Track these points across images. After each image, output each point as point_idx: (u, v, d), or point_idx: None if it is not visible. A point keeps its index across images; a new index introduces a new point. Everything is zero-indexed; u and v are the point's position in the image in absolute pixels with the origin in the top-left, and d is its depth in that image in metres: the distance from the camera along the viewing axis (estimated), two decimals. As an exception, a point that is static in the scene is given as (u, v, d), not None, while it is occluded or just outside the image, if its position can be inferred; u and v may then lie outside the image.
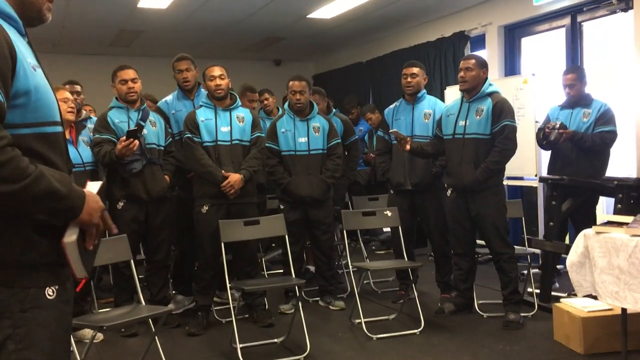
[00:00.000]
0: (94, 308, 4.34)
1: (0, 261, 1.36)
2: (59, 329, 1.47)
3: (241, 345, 3.55)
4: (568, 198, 4.48)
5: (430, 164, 4.50)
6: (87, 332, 3.70)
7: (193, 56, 4.56)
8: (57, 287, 1.45)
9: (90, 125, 4.36)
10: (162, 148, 4.21)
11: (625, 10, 5.11)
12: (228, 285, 3.76)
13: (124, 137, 3.82)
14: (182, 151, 4.27)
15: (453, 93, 5.83)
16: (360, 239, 5.66)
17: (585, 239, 3.10)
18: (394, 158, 4.61)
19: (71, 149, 3.93)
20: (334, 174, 4.51)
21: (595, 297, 3.19)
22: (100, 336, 3.81)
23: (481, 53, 6.52)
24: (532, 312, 4.23)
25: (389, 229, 6.67)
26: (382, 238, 7.00)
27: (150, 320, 3.29)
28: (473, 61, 4.09)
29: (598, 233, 3.03)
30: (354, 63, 9.07)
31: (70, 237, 1.42)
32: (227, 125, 4.12)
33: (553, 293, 4.41)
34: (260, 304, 4.26)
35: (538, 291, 4.40)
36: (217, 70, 4.11)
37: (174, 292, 4.63)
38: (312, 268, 5.19)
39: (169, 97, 4.57)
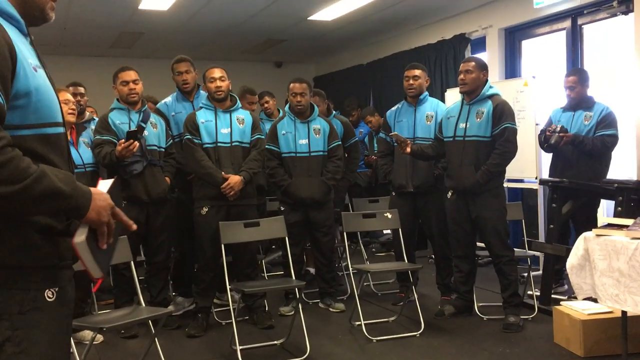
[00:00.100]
0: (94, 309, 4.34)
1: (2, 263, 1.35)
2: (59, 332, 1.45)
3: (241, 347, 3.55)
4: (569, 200, 4.48)
5: (433, 166, 4.50)
6: (87, 334, 3.70)
7: (194, 58, 4.57)
8: (57, 289, 1.43)
9: (92, 126, 4.36)
10: (163, 150, 4.22)
11: (625, 13, 5.11)
12: (228, 287, 3.76)
13: (124, 139, 3.82)
14: (182, 153, 4.28)
15: (453, 95, 5.83)
16: (360, 241, 5.66)
17: (585, 241, 3.10)
18: (395, 160, 4.61)
19: (71, 150, 3.93)
20: (335, 175, 4.51)
21: (595, 300, 3.19)
22: (100, 337, 3.81)
23: (482, 55, 6.53)
24: (532, 315, 4.22)
25: (389, 231, 6.70)
26: (382, 240, 7.00)
27: (150, 321, 3.28)
28: (473, 63, 4.10)
29: (598, 236, 3.03)
30: (354, 65, 9.07)
31: (80, 237, 1.40)
32: (227, 127, 4.12)
33: (554, 295, 4.41)
34: (260, 305, 4.25)
35: (538, 294, 4.40)
36: (217, 72, 4.11)
37: (173, 293, 4.63)
38: (312, 270, 5.19)
39: (169, 99, 4.57)
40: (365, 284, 4.96)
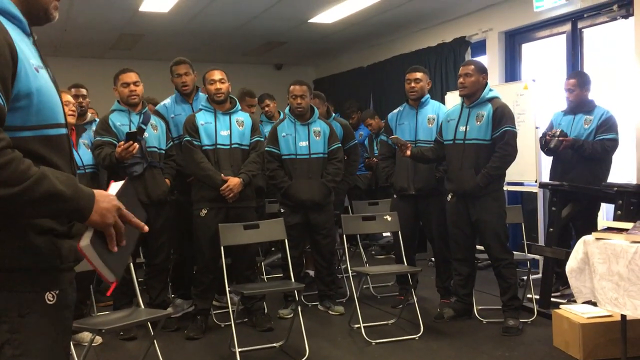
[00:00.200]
0: (93, 311, 4.33)
1: (3, 266, 1.33)
2: (58, 335, 1.44)
3: (240, 350, 3.55)
4: (568, 204, 4.48)
5: (434, 168, 4.50)
6: (86, 335, 3.70)
7: (194, 60, 4.57)
8: (57, 292, 1.42)
9: (94, 127, 4.37)
10: (163, 151, 4.22)
11: (625, 16, 5.12)
12: (227, 289, 3.76)
13: (123, 141, 3.82)
14: (181, 155, 4.27)
15: (454, 98, 5.83)
16: (360, 244, 5.66)
17: (585, 245, 3.10)
18: (397, 163, 4.60)
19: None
20: (335, 178, 4.51)
21: (594, 304, 3.19)
22: (99, 339, 3.81)
23: (482, 59, 6.53)
24: (532, 318, 4.22)
25: (388, 234, 6.70)
26: (381, 243, 7.00)
27: (149, 323, 3.28)
28: (472, 67, 4.10)
29: (598, 239, 3.03)
30: (354, 68, 9.08)
31: (85, 240, 1.37)
32: (227, 129, 4.12)
33: (553, 299, 4.41)
34: (260, 308, 4.25)
35: (537, 297, 4.39)
36: (217, 74, 4.12)
37: (172, 295, 4.63)
38: (311, 272, 5.19)
39: (167, 101, 4.56)
40: (364, 286, 4.95)
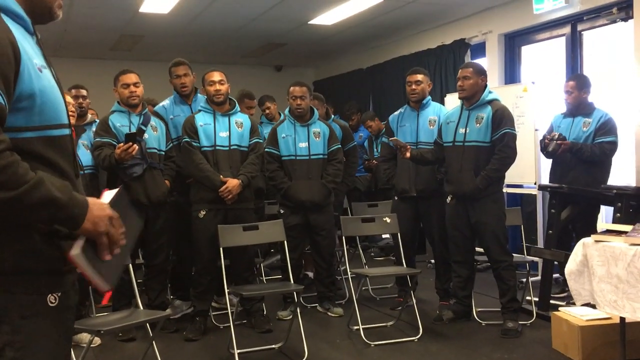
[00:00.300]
0: (91, 312, 4.33)
1: (4, 268, 1.33)
2: (60, 337, 1.43)
3: (239, 351, 3.55)
4: (568, 206, 4.48)
5: (436, 170, 4.50)
6: (85, 336, 3.69)
7: (194, 61, 4.57)
8: (59, 294, 1.41)
9: (94, 128, 4.36)
10: (163, 153, 4.22)
11: (625, 19, 5.12)
12: (226, 290, 3.75)
13: (123, 142, 3.83)
14: (180, 156, 4.27)
15: (453, 100, 5.84)
16: (359, 246, 5.66)
17: (584, 247, 3.10)
18: (399, 164, 4.60)
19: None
20: (335, 179, 4.52)
21: (593, 306, 3.19)
22: (97, 340, 3.81)
23: (481, 61, 6.53)
24: (531, 321, 4.22)
25: (388, 236, 6.70)
26: (381, 245, 6.99)
27: (148, 325, 3.28)
28: (470, 69, 4.10)
29: (597, 242, 3.03)
30: (354, 69, 9.09)
31: (76, 249, 1.36)
32: (226, 131, 4.13)
33: (552, 301, 4.41)
34: (259, 309, 4.25)
35: (537, 299, 4.39)
36: (216, 76, 4.12)
37: (171, 297, 4.63)
38: (310, 274, 5.19)
39: (166, 102, 4.56)
40: (363, 288, 4.96)
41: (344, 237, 4.40)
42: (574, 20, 5.67)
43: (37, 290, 1.37)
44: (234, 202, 4.04)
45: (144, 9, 6.18)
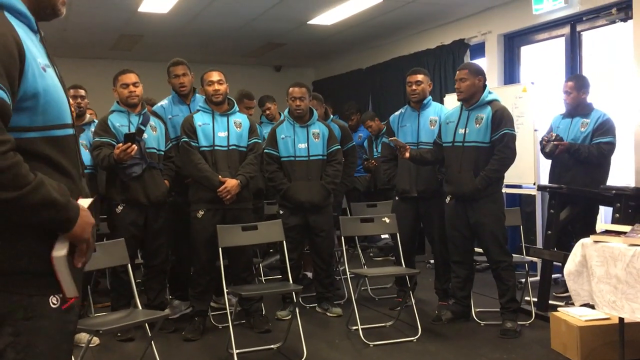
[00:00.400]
0: (90, 312, 4.33)
1: (4, 268, 1.32)
2: (61, 339, 1.43)
3: (238, 351, 3.55)
4: (567, 207, 4.48)
5: (437, 171, 4.49)
6: (83, 336, 3.68)
7: (193, 61, 4.57)
8: (61, 295, 1.40)
9: (92, 128, 4.36)
10: (162, 153, 4.21)
11: (624, 20, 5.13)
12: (225, 290, 3.75)
13: (122, 142, 3.82)
14: (179, 156, 4.27)
15: (452, 101, 5.84)
16: (358, 246, 5.66)
17: (583, 247, 3.10)
18: (399, 165, 4.60)
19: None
20: (334, 179, 4.51)
21: (592, 306, 3.19)
22: (96, 340, 3.80)
23: (481, 61, 6.54)
24: (530, 321, 4.22)
25: (387, 236, 6.70)
26: (380, 245, 7.00)
27: (146, 325, 3.28)
28: (466, 71, 4.10)
29: (596, 242, 3.03)
30: (353, 70, 9.09)
31: (60, 251, 1.36)
32: (225, 131, 4.12)
33: (551, 302, 4.41)
34: (258, 309, 4.25)
35: (536, 300, 4.39)
36: (215, 75, 4.12)
37: (170, 297, 4.62)
38: (309, 274, 5.19)
39: (165, 102, 4.55)
40: (362, 288, 4.96)
41: (342, 238, 4.40)
42: (573, 21, 5.67)
43: (39, 291, 1.37)
44: (233, 202, 4.04)
45: (143, 8, 6.18)
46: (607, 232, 3.09)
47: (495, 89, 5.06)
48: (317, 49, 8.75)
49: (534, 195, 5.61)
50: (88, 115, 4.68)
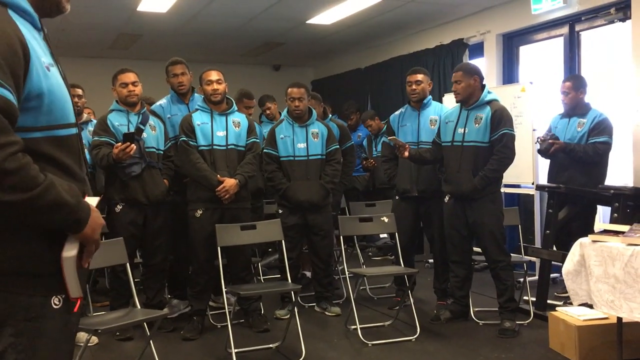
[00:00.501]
0: (89, 311, 4.33)
1: (5, 269, 1.31)
2: (62, 339, 1.42)
3: (236, 350, 3.55)
4: (565, 206, 4.49)
5: (437, 170, 4.49)
6: (82, 336, 3.67)
7: (192, 60, 4.57)
8: (64, 296, 1.39)
9: (90, 128, 4.36)
10: (162, 152, 4.21)
11: (623, 20, 5.13)
12: (224, 289, 3.75)
13: (121, 141, 3.82)
14: (177, 155, 4.27)
15: (451, 100, 5.84)
16: (356, 245, 5.66)
17: (581, 247, 3.11)
18: (400, 164, 4.60)
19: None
20: (333, 179, 4.51)
21: (590, 306, 3.19)
22: (94, 339, 3.80)
23: (479, 61, 6.55)
24: (528, 320, 4.23)
25: (385, 235, 6.70)
26: (378, 244, 7.00)
27: (145, 324, 3.28)
28: (460, 73, 4.11)
29: (594, 242, 3.04)
30: (352, 69, 9.09)
31: (70, 251, 1.35)
32: (223, 130, 4.12)
33: (549, 301, 4.42)
34: (256, 309, 4.25)
35: (534, 299, 4.40)
36: (214, 75, 4.12)
37: (169, 296, 4.62)
38: (308, 273, 5.19)
39: (163, 101, 4.54)
40: (361, 288, 4.96)
41: (341, 237, 4.40)
42: (572, 21, 5.67)
43: (41, 292, 1.36)
44: (231, 201, 4.04)
45: (142, 7, 6.17)
46: (606, 232, 3.10)
47: (494, 89, 5.07)
48: (316, 49, 8.75)
49: (533, 195, 5.62)
50: (85, 115, 4.68)
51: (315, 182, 4.44)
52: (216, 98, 4.10)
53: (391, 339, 3.93)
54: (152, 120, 4.20)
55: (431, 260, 5.01)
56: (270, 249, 5.94)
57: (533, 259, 4.96)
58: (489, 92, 4.14)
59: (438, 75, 7.05)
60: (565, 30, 5.78)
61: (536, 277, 4.76)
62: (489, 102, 4.08)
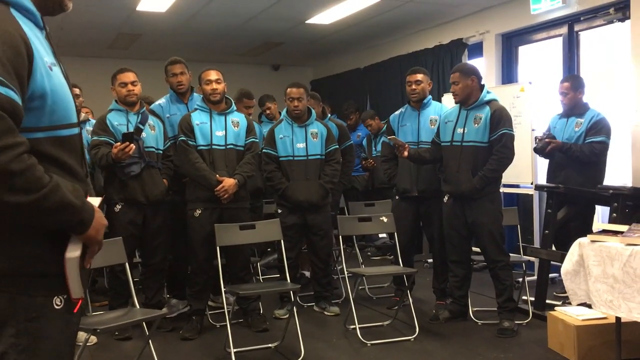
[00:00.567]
0: (88, 311, 4.32)
1: (5, 269, 1.30)
2: (64, 340, 1.41)
3: (235, 350, 3.55)
4: (564, 206, 4.49)
5: (437, 170, 4.49)
6: (81, 335, 3.66)
7: (191, 60, 4.56)
8: (65, 296, 1.39)
9: (88, 127, 4.35)
10: (161, 152, 4.21)
11: (622, 20, 5.13)
12: (223, 289, 3.75)
13: (120, 141, 3.82)
14: (176, 155, 4.27)
15: (450, 100, 5.85)
16: (355, 245, 5.66)
17: (580, 247, 3.11)
18: (400, 164, 4.60)
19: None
20: (333, 179, 4.51)
21: (589, 306, 3.19)
22: (93, 339, 3.80)
23: (478, 61, 6.55)
24: (527, 320, 4.23)
25: (385, 235, 6.70)
26: (377, 244, 7.00)
27: (144, 323, 3.28)
28: (457, 74, 4.11)
29: (593, 241, 3.04)
30: (352, 69, 9.08)
31: (74, 252, 1.35)
32: (222, 130, 4.12)
33: (548, 301, 4.42)
34: (255, 308, 4.25)
35: (533, 299, 4.40)
36: (213, 74, 4.11)
37: (168, 296, 4.62)
38: (307, 273, 5.19)
39: (162, 101, 4.54)
40: (360, 287, 4.96)
41: (340, 237, 4.40)
42: (571, 21, 5.67)
43: (43, 292, 1.35)
44: (230, 201, 4.04)
45: (142, 7, 6.17)
46: (604, 232, 3.10)
47: (493, 89, 5.07)
48: (315, 48, 8.75)
49: (532, 195, 5.62)
50: (83, 114, 4.68)
51: (314, 182, 4.44)
52: (215, 98, 4.10)
53: (390, 338, 3.93)
54: (152, 120, 4.20)
55: (430, 260, 5.02)
56: (269, 249, 5.93)
57: (532, 258, 4.96)
58: (488, 92, 4.14)
59: (437, 75, 7.05)
60: (564, 30, 5.78)
61: (535, 277, 4.76)
62: (488, 102, 4.08)
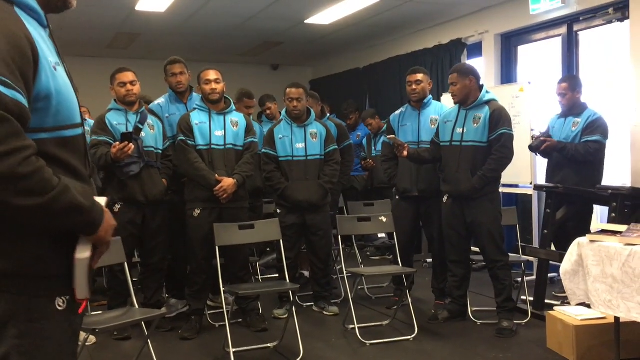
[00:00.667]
0: (87, 310, 4.31)
1: (7, 270, 1.29)
2: (66, 341, 1.40)
3: (234, 350, 3.55)
4: (563, 206, 4.49)
5: (438, 170, 4.49)
6: (80, 335, 3.68)
7: (190, 60, 4.56)
8: (68, 297, 1.38)
9: (86, 127, 4.34)
10: (160, 151, 4.20)
11: (621, 20, 5.14)
12: (222, 289, 3.75)
13: (119, 141, 3.82)
14: (175, 154, 4.26)
15: (449, 100, 5.85)
16: (355, 245, 5.66)
17: (579, 247, 3.11)
18: (400, 164, 4.60)
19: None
20: (332, 179, 4.51)
21: (588, 306, 3.20)
22: (92, 339, 3.79)
23: (478, 61, 6.55)
24: (526, 320, 4.23)
25: (384, 235, 6.70)
26: (377, 244, 7.00)
27: (143, 323, 3.27)
28: (455, 75, 4.11)
29: (592, 241, 3.04)
30: (351, 69, 9.08)
31: (84, 253, 1.35)
32: (221, 129, 4.12)
33: (547, 301, 4.42)
34: (254, 308, 4.25)
35: (532, 299, 4.40)
36: (212, 74, 4.11)
37: (167, 296, 4.62)
38: (306, 273, 5.19)
39: (161, 100, 4.53)
40: (359, 287, 4.96)
41: (340, 237, 4.40)
42: (570, 21, 5.68)
43: (46, 293, 1.34)
44: (229, 201, 4.04)
45: (141, 7, 6.17)
46: (603, 232, 3.10)
47: (492, 89, 5.07)
48: (314, 48, 8.75)
49: (531, 195, 5.62)
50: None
51: (313, 182, 4.44)
52: (214, 97, 4.10)
53: (389, 338, 3.93)
54: (151, 120, 4.19)
55: (429, 260, 5.02)
56: (268, 249, 5.93)
57: (531, 258, 4.96)
58: (487, 92, 4.14)
59: (436, 75, 7.05)
60: (563, 30, 5.79)
61: (534, 277, 4.76)
62: (488, 102, 4.09)
